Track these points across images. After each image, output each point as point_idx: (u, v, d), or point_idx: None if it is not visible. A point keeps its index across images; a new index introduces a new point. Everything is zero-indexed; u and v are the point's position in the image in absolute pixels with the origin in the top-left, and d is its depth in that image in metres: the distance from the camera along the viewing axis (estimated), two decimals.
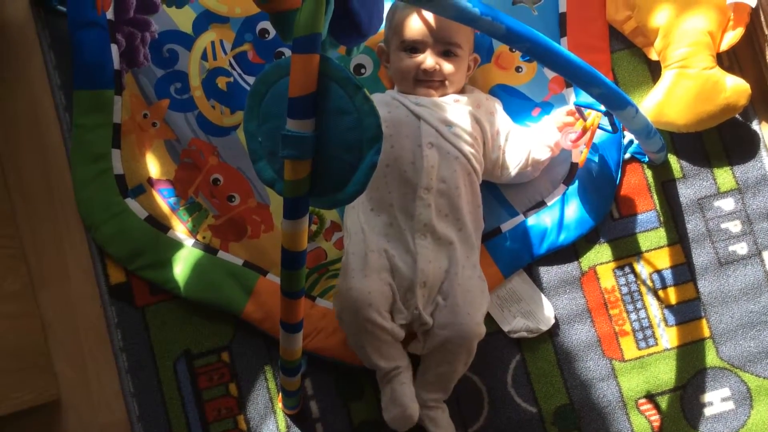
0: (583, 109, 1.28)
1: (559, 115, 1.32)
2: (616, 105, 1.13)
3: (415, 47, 1.26)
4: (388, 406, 1.21)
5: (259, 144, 1.01)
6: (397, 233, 1.23)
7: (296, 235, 0.99)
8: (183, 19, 1.39)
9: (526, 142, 1.30)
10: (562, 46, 1.31)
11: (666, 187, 1.37)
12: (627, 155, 1.38)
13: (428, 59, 1.25)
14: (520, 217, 1.36)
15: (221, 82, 1.39)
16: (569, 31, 1.39)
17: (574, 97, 1.38)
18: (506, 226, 1.36)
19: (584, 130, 1.25)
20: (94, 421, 1.33)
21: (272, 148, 0.99)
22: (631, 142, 1.38)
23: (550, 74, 1.39)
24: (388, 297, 1.20)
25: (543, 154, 1.29)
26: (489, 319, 1.31)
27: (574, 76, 1.06)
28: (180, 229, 1.36)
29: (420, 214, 1.22)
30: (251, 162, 1.03)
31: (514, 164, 1.30)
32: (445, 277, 1.22)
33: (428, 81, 1.27)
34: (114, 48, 1.38)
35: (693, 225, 1.36)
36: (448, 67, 1.26)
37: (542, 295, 1.34)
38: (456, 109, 1.28)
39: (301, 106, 0.93)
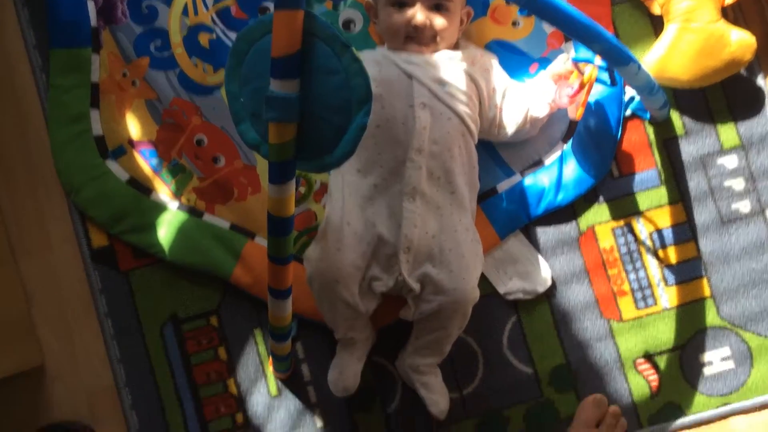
0: (580, 63, 1.23)
1: (558, 63, 1.27)
2: (618, 61, 1.09)
3: (404, 1, 1.21)
4: (332, 369, 1.22)
5: (242, 105, 0.96)
6: (383, 196, 1.20)
7: (283, 200, 0.95)
8: None
9: (524, 99, 1.26)
10: None
11: (668, 144, 1.34)
12: (628, 112, 1.34)
13: (418, 14, 1.20)
14: (517, 177, 1.33)
15: (203, 38, 1.34)
16: None
17: (573, 51, 1.34)
18: (502, 186, 1.33)
19: (581, 86, 1.21)
20: (80, 388, 1.31)
21: (256, 110, 0.94)
22: (632, 98, 1.34)
23: (548, 28, 1.34)
24: (358, 272, 1.17)
25: (542, 111, 1.25)
26: (484, 281, 1.29)
27: (574, 32, 1.01)
28: (163, 191, 1.33)
29: (410, 176, 1.18)
30: (234, 123, 0.98)
31: (511, 123, 1.26)
32: (435, 243, 1.19)
33: (418, 37, 1.22)
34: (91, 4, 1.33)
35: (695, 183, 1.33)
36: (439, 21, 1.21)
37: (539, 256, 1.32)
38: (450, 66, 1.23)
39: (285, 65, 0.88)
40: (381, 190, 1.20)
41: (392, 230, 1.18)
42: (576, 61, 1.23)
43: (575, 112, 1.23)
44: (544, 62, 1.33)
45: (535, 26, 1.34)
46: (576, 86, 1.22)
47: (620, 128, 1.33)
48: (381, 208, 1.19)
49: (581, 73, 1.23)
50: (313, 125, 0.90)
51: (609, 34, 1.07)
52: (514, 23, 1.34)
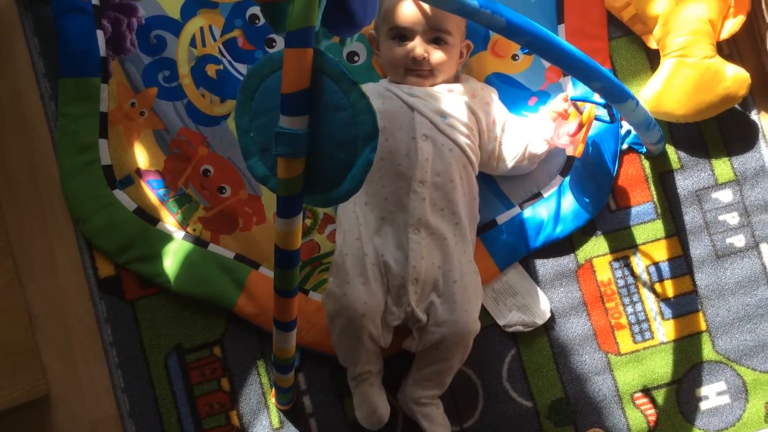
0: (578, 102, 1.25)
1: (557, 102, 1.29)
2: (616, 98, 1.11)
3: (404, 35, 1.24)
4: (360, 406, 1.21)
5: (251, 140, 0.98)
6: (389, 228, 1.21)
7: (290, 233, 0.97)
8: (171, 4, 1.36)
9: (523, 134, 1.28)
10: (560, 34, 1.34)
11: (663, 178, 1.36)
12: (624, 146, 1.36)
13: (417, 47, 1.23)
14: (516, 209, 1.35)
15: (211, 69, 1.36)
16: (567, 18, 1.36)
17: (571, 85, 1.36)
18: (502, 219, 1.34)
19: (581, 125, 1.23)
20: (84, 416, 1.32)
21: (265, 145, 0.96)
22: (628, 132, 1.36)
23: (547, 63, 1.37)
24: (382, 305, 1.19)
25: (540, 148, 1.27)
26: (484, 313, 1.30)
27: (575, 70, 1.04)
28: (170, 221, 1.34)
29: (414, 208, 1.20)
30: (243, 158, 1.00)
31: (510, 156, 1.28)
32: (440, 274, 1.20)
33: (418, 70, 1.24)
34: (100, 34, 1.35)
35: (690, 217, 1.35)
36: (437, 55, 1.24)
37: (538, 288, 1.33)
38: (450, 99, 1.25)
39: (294, 102, 0.90)
40: (387, 222, 1.21)
41: (400, 261, 1.19)
42: (574, 100, 1.25)
43: (574, 150, 1.25)
44: (543, 95, 1.36)
45: (534, 60, 1.36)
46: (574, 125, 1.24)
47: (617, 162, 1.35)
48: (388, 239, 1.21)
49: (580, 112, 1.25)
50: (321, 160, 0.93)
51: (607, 71, 1.09)
52: (514, 57, 1.36)
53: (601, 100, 1.21)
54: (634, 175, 1.36)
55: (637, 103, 1.14)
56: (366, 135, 0.90)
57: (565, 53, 1.01)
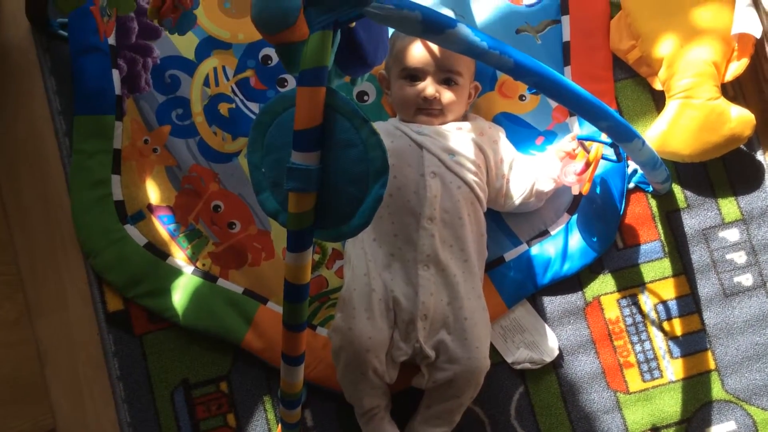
0: (585, 142, 1.27)
1: (565, 142, 1.30)
2: (623, 138, 1.13)
3: (415, 75, 1.26)
4: None
5: (263, 175, 0.99)
6: (398, 264, 1.22)
7: (300, 267, 0.98)
8: (185, 44, 1.38)
9: (531, 172, 1.29)
10: (566, 76, 1.36)
11: (670, 217, 1.36)
12: (631, 185, 1.37)
13: (428, 87, 1.25)
14: (524, 247, 1.35)
15: (223, 108, 1.38)
16: (573, 61, 1.38)
17: (577, 125, 1.38)
18: (510, 256, 1.35)
19: (587, 164, 1.24)
20: None
21: (276, 180, 0.97)
22: (635, 171, 1.37)
23: (553, 103, 1.39)
24: (387, 340, 1.19)
25: (547, 186, 1.28)
26: (492, 350, 1.30)
27: (582, 110, 1.05)
28: (179, 256, 1.35)
29: (423, 244, 1.20)
30: (254, 193, 1.01)
31: (518, 194, 1.29)
32: (450, 310, 1.20)
33: (428, 109, 1.26)
34: (115, 73, 1.37)
35: (698, 255, 1.35)
36: (448, 95, 1.26)
37: (546, 326, 1.33)
38: (458, 137, 1.27)
39: (306, 138, 0.91)
40: (397, 258, 1.22)
41: (409, 297, 1.20)
42: (581, 140, 1.26)
43: (581, 188, 1.26)
44: (550, 135, 1.37)
45: (541, 100, 1.38)
46: (581, 164, 1.25)
47: (624, 201, 1.36)
48: (397, 275, 1.21)
49: (587, 151, 1.26)
50: (332, 195, 0.93)
51: (614, 111, 1.11)
52: (521, 97, 1.38)
53: (608, 140, 1.22)
54: (641, 213, 1.37)
55: (644, 142, 1.16)
56: (376, 171, 0.91)
57: (572, 93, 1.02)
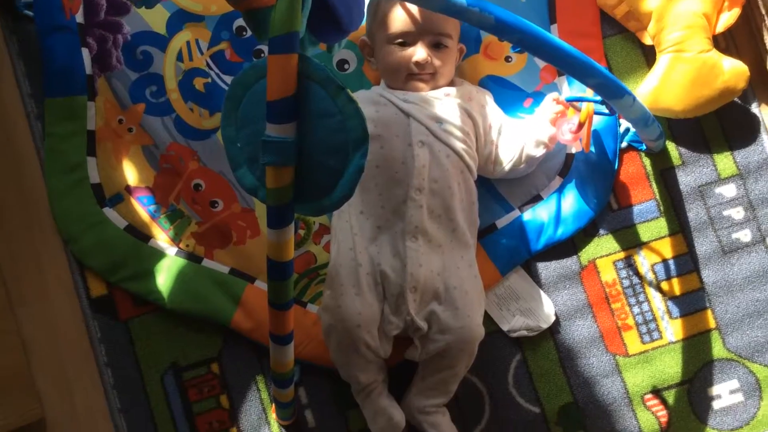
0: (574, 102, 1.23)
1: (549, 105, 1.27)
2: (613, 94, 1.09)
3: (404, 40, 1.22)
4: (375, 417, 1.20)
5: (239, 150, 0.96)
6: (385, 237, 1.19)
7: (282, 244, 0.95)
8: (156, 19, 1.34)
9: (519, 137, 1.26)
10: (553, 34, 1.29)
11: (665, 175, 1.33)
12: (623, 144, 1.34)
13: (419, 51, 1.21)
14: (516, 213, 1.32)
15: (198, 83, 1.34)
16: (559, 18, 1.35)
17: (566, 85, 1.34)
18: (501, 222, 1.32)
19: (581, 124, 1.21)
20: None
21: (253, 154, 0.94)
22: (627, 130, 1.34)
23: (541, 63, 1.35)
24: (377, 315, 1.17)
25: (537, 151, 1.25)
26: (488, 319, 1.28)
27: (568, 67, 1.02)
28: (162, 237, 1.32)
29: (411, 215, 1.18)
30: (231, 169, 0.98)
31: (507, 160, 1.26)
32: (440, 281, 1.18)
33: (420, 74, 1.23)
34: (85, 52, 1.33)
35: (694, 213, 1.32)
36: (438, 59, 1.23)
37: (541, 292, 1.31)
38: (446, 104, 1.23)
39: (280, 109, 0.88)
40: (384, 230, 1.20)
41: (397, 270, 1.17)
42: (570, 101, 1.23)
43: (582, 145, 1.22)
44: (538, 96, 1.34)
45: (528, 61, 1.34)
46: (576, 121, 1.22)
47: (617, 160, 1.33)
48: (384, 248, 1.19)
49: (577, 110, 1.23)
50: (311, 168, 0.90)
51: (602, 68, 1.07)
52: (507, 59, 1.34)
53: (598, 98, 1.19)
54: (635, 173, 1.33)
55: (634, 98, 1.12)
56: (356, 140, 0.88)
57: (557, 50, 0.98)
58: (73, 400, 1.30)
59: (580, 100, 1.22)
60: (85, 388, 1.30)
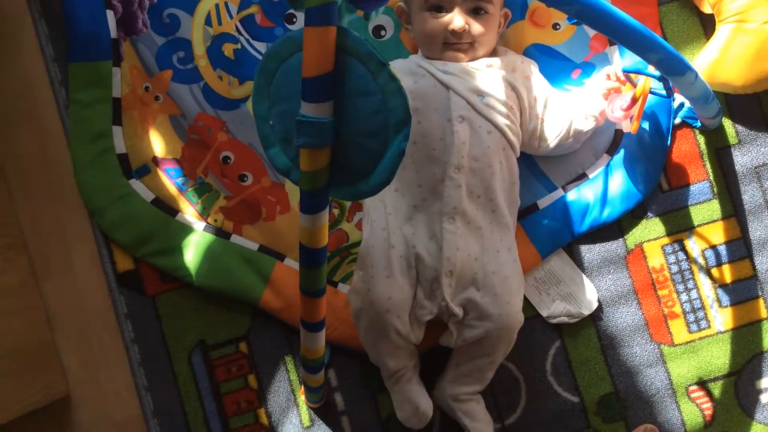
0: (631, 75, 1.16)
1: (602, 79, 1.20)
2: (674, 71, 1.01)
3: (440, 5, 1.14)
4: (402, 404, 1.17)
5: (271, 128, 0.90)
6: (421, 217, 1.14)
7: (316, 230, 0.89)
8: None
9: (567, 111, 1.19)
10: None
11: (720, 154, 1.26)
12: (677, 120, 1.26)
13: (456, 18, 1.13)
14: (559, 192, 1.26)
15: (228, 49, 1.28)
16: None
17: (618, 55, 1.27)
18: (544, 202, 1.26)
19: (634, 99, 1.13)
20: (106, 417, 1.27)
21: (286, 133, 0.88)
22: (681, 105, 1.26)
23: (591, 31, 1.27)
24: (409, 299, 1.12)
25: (586, 125, 1.18)
26: (526, 304, 1.23)
27: (630, 42, 0.94)
28: (189, 211, 1.28)
29: (449, 195, 1.12)
30: (263, 148, 0.92)
31: (553, 135, 1.19)
32: (478, 266, 1.12)
33: (457, 44, 1.15)
34: (110, 14, 1.26)
35: (749, 196, 1.26)
36: (478, 26, 1.15)
37: (584, 277, 1.25)
38: (488, 75, 1.16)
39: (316, 87, 0.81)
40: (420, 210, 1.14)
41: (433, 253, 1.12)
42: (627, 72, 1.16)
43: (630, 126, 1.16)
44: (587, 67, 1.27)
45: (577, 29, 1.27)
46: (628, 98, 1.15)
47: (669, 137, 1.25)
48: (420, 229, 1.13)
49: (633, 85, 1.16)
50: (348, 151, 0.85)
51: (665, 42, 0.99)
52: (555, 26, 1.27)
53: (657, 73, 1.11)
54: (688, 151, 1.26)
55: (696, 75, 1.05)
56: (397, 122, 0.82)
57: (617, 21, 0.90)
58: (98, 377, 1.27)
59: (638, 72, 1.14)
60: (111, 365, 1.27)
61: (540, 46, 1.27)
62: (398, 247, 1.12)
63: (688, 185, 1.26)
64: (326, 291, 1.01)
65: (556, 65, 1.27)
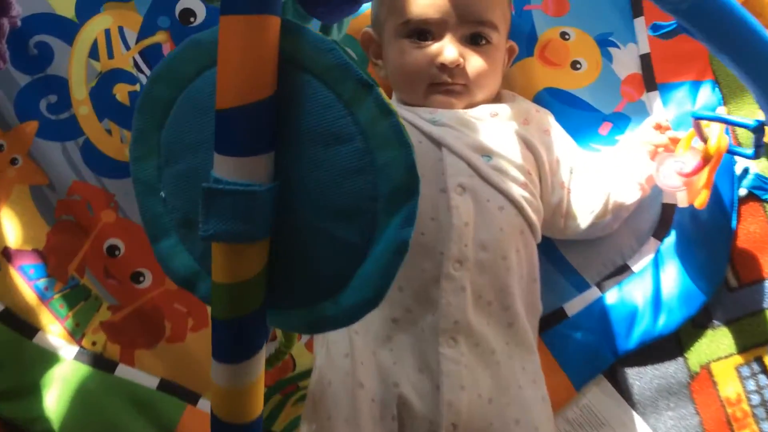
0: (702, 123, 0.89)
1: (649, 132, 0.96)
2: None
3: (426, 30, 0.90)
4: None
5: (163, 204, 0.57)
6: (406, 337, 0.84)
7: (240, 390, 0.55)
8: None
9: (602, 177, 0.94)
10: (636, 29, 1.06)
11: None
12: (742, 192, 1.03)
13: (448, 48, 0.88)
14: (595, 292, 1.00)
15: (121, 91, 1.02)
16: (647, 10, 1.06)
17: (659, 103, 1.03)
18: (574, 307, 1.00)
19: (705, 159, 0.85)
20: None
21: (187, 214, 0.56)
22: (746, 171, 1.02)
23: (621, 72, 1.04)
24: None
25: (630, 197, 0.93)
26: None
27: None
28: (55, 330, 0.98)
29: (448, 303, 0.82)
30: (149, 239, 0.57)
31: (586, 211, 0.93)
32: (493, 412, 0.83)
33: (448, 84, 0.90)
34: None
35: None
36: (476, 60, 0.89)
37: (634, 414, 0.97)
38: (495, 127, 0.90)
39: (242, 127, 0.50)
40: (403, 326, 0.84)
41: (425, 394, 0.82)
42: (697, 119, 0.87)
43: (691, 198, 0.91)
44: (620, 120, 1.03)
45: (604, 68, 1.05)
46: (692, 159, 0.89)
47: (735, 215, 1.01)
48: (404, 356, 0.83)
49: (703, 139, 0.87)
50: (302, 244, 0.53)
51: None
52: (575, 65, 1.05)
53: (750, 121, 0.82)
54: (759, 233, 1.01)
55: None
56: (393, 191, 0.51)
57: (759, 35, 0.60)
58: None
59: (713, 119, 0.86)
60: None
61: (555, 91, 1.04)
62: (369, 386, 0.82)
63: (762, 280, 1.00)
64: None
65: (579, 117, 1.04)
